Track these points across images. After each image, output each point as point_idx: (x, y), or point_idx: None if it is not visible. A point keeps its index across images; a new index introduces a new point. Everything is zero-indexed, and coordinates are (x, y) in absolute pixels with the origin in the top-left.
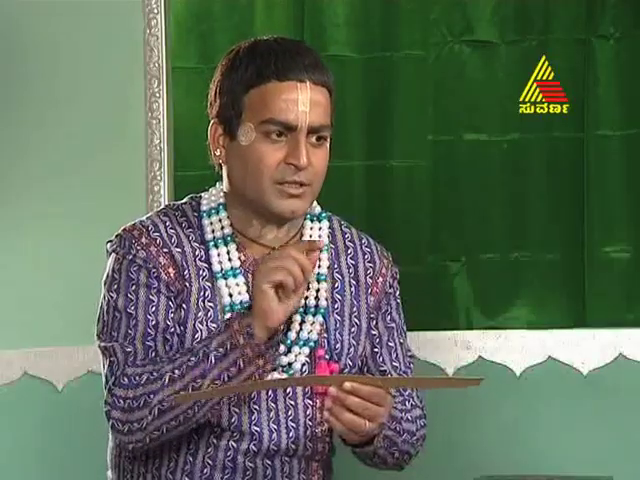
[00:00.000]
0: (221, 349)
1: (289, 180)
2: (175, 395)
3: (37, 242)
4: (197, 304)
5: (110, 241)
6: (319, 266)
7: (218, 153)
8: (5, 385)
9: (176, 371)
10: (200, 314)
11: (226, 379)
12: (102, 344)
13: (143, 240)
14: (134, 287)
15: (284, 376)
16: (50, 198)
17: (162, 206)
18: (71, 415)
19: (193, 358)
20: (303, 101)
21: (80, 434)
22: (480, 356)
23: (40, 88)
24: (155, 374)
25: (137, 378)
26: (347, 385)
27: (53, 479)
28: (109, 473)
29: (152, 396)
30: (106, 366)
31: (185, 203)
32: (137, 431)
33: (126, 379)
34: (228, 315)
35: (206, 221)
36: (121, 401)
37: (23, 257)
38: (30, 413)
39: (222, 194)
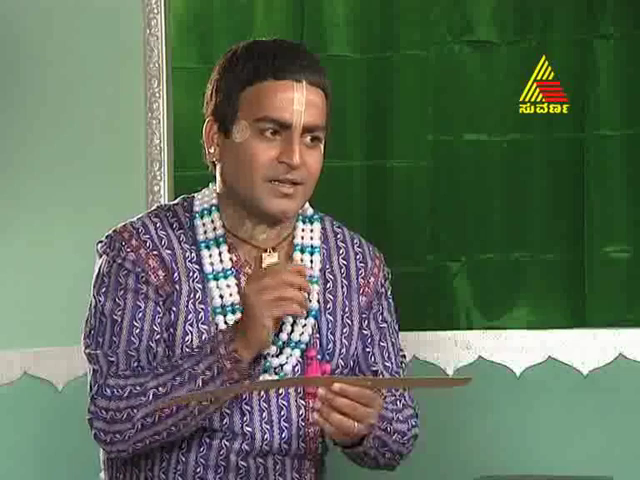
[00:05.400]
0: (208, 372)
1: (281, 178)
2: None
3: (37, 242)
4: (187, 306)
5: (100, 242)
6: (311, 268)
7: (212, 150)
8: (5, 385)
9: (160, 388)
10: (190, 316)
11: (212, 399)
12: (87, 350)
13: (133, 242)
14: (122, 292)
15: (274, 377)
16: (50, 198)
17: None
18: (71, 415)
19: (179, 378)
20: (299, 100)
21: (80, 434)
22: (480, 356)
23: (39, 88)
24: (138, 388)
25: (120, 390)
26: (336, 386)
27: (53, 479)
28: (102, 475)
29: (135, 411)
30: (90, 374)
31: (177, 204)
32: (119, 442)
33: (108, 390)
34: (214, 330)
35: (198, 222)
36: (103, 412)
37: (23, 257)
38: (30, 413)
39: (215, 195)
